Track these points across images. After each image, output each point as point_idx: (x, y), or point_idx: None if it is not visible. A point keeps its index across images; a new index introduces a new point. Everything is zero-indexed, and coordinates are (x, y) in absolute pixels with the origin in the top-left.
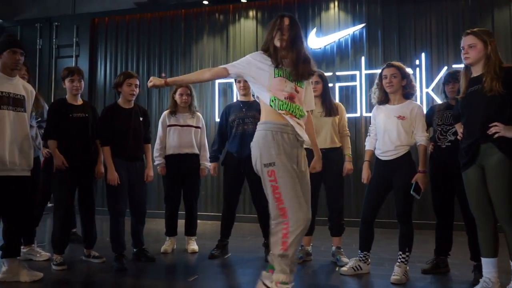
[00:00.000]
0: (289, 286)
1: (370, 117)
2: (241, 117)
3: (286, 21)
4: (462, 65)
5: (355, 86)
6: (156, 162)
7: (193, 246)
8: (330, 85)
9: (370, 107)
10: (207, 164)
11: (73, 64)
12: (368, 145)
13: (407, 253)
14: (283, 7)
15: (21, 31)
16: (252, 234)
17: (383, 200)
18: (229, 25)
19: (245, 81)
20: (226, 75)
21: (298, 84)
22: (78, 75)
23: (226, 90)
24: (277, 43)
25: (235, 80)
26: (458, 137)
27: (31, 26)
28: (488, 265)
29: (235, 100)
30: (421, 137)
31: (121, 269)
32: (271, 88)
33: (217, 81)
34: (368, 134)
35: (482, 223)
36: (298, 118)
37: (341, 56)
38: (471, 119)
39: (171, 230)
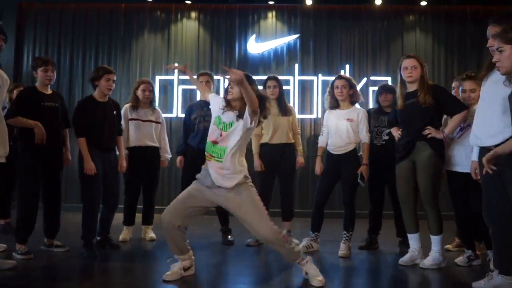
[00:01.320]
0: None
1: (301, 119)
2: (202, 115)
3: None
4: (380, 78)
5: (289, 90)
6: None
7: (151, 234)
8: None
9: (301, 110)
10: (167, 156)
11: None
12: (320, 142)
13: (350, 232)
14: (225, 12)
15: None
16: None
17: (333, 188)
18: (171, 24)
19: (207, 83)
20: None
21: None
22: (52, 65)
23: (166, 87)
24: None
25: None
26: (396, 138)
27: None
28: (414, 238)
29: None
30: (365, 137)
31: (92, 256)
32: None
33: (157, 77)
34: (321, 133)
35: (405, 204)
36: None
37: (277, 61)
38: (411, 124)
39: (129, 220)
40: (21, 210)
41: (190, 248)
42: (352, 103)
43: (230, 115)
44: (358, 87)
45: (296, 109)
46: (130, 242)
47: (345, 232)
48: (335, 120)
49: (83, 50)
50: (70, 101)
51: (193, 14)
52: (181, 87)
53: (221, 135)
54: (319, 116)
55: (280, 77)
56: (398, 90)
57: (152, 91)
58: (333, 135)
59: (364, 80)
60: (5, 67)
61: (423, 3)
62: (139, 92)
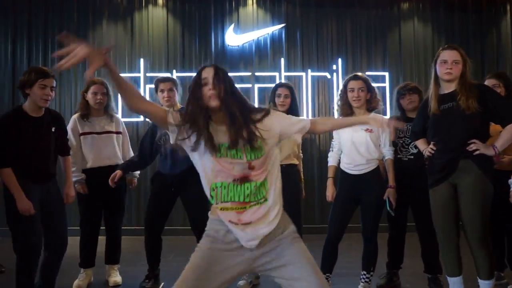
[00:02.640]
0: None
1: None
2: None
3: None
4: (376, 73)
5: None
6: (74, 179)
7: (116, 277)
8: (249, 85)
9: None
10: (135, 174)
11: None
12: (331, 160)
13: (371, 273)
14: None
15: None
16: (175, 251)
17: (350, 218)
18: (134, 12)
19: (170, 91)
20: None
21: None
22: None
23: None
24: None
25: (157, 89)
26: (427, 153)
27: None
28: (455, 284)
29: None
30: (388, 151)
31: None
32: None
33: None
34: (330, 149)
35: (446, 241)
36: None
37: (260, 55)
38: (449, 136)
39: (87, 261)
40: None
41: None
42: (370, 110)
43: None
44: None
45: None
46: None
47: (364, 272)
48: (350, 132)
49: (28, 46)
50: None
51: (160, 0)
52: (149, 86)
53: (250, 167)
54: (310, 117)
55: (264, 74)
56: (431, 89)
57: (106, 94)
58: (348, 151)
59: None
60: None
61: None
62: (89, 96)
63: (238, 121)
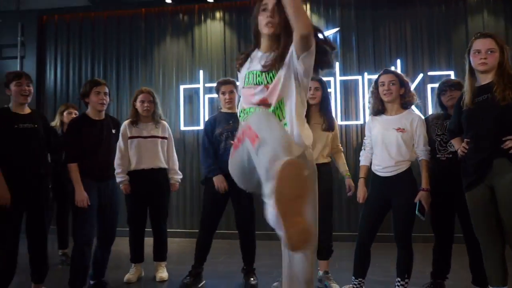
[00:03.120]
0: None
1: (346, 125)
2: (230, 130)
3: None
4: (440, 72)
5: (329, 93)
6: (118, 180)
7: (162, 273)
8: None
9: (345, 116)
10: (177, 178)
11: (18, 67)
12: (363, 160)
13: (406, 280)
14: (252, 8)
15: None
16: (226, 254)
17: (381, 221)
18: (194, 27)
19: (231, 93)
20: None
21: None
22: (27, 79)
23: (192, 96)
24: None
25: (218, 91)
26: (460, 153)
27: None
28: None
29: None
30: (422, 151)
31: None
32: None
33: (181, 87)
34: (362, 148)
35: (489, 249)
36: None
37: None
38: (482, 132)
39: (136, 256)
40: None
41: None
42: (404, 106)
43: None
44: (413, 85)
45: (338, 115)
46: (137, 283)
47: (399, 279)
48: (381, 130)
49: (104, 60)
50: None
51: (218, 14)
52: (208, 96)
53: (267, 90)
54: (366, 121)
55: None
56: (466, 82)
57: (153, 102)
58: (379, 151)
59: (420, 76)
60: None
61: None
62: (138, 104)
63: (283, 53)
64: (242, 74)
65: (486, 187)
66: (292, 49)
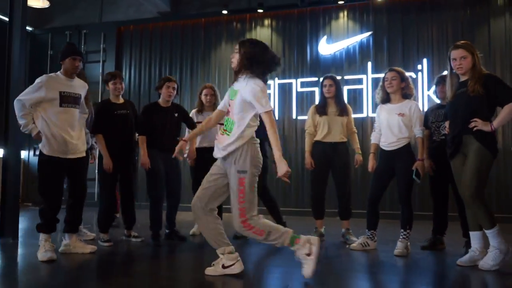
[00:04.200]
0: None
1: (373, 117)
2: None
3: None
4: None
5: (362, 89)
6: (186, 155)
7: None
8: None
9: (375, 108)
10: None
11: (100, 69)
12: (373, 139)
13: (408, 230)
14: (297, 16)
15: (52, 38)
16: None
17: (387, 185)
18: (245, 33)
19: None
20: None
21: (231, 97)
22: (120, 78)
23: None
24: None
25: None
26: (446, 131)
27: (60, 34)
28: (474, 237)
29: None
30: (418, 131)
31: (158, 245)
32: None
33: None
34: (373, 129)
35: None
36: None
37: (349, 61)
38: (456, 116)
39: None
40: (102, 204)
41: (230, 244)
42: (404, 96)
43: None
44: None
45: (369, 108)
46: (199, 236)
47: (402, 230)
48: (386, 115)
49: (169, 63)
50: None
51: (266, 22)
52: None
53: (230, 104)
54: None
55: (353, 77)
56: (448, 80)
57: (214, 95)
58: (384, 131)
59: (445, 73)
60: None
61: None
62: (203, 97)
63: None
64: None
65: (461, 155)
66: (248, 98)
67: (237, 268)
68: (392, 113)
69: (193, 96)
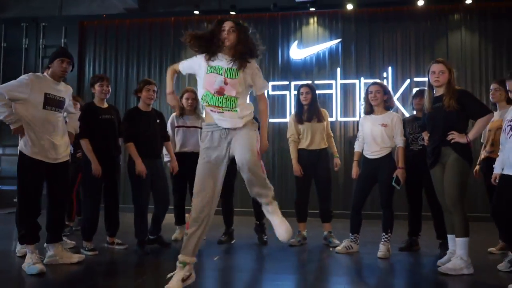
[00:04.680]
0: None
1: (345, 121)
2: None
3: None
4: (424, 79)
5: (331, 94)
6: (166, 159)
7: None
8: None
9: (344, 113)
10: None
11: None
12: (356, 147)
13: (389, 234)
14: (268, 20)
15: (5, 29)
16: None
17: (369, 191)
18: None
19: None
20: (178, 70)
21: (229, 76)
22: (107, 81)
23: None
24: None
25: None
26: (425, 143)
27: (16, 25)
28: (452, 240)
29: None
30: (399, 141)
31: (144, 253)
32: (204, 84)
33: None
34: (356, 138)
35: (445, 208)
36: (226, 108)
37: (319, 66)
38: (435, 129)
39: (179, 219)
40: (86, 212)
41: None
42: (387, 108)
43: (225, 60)
44: (401, 89)
45: (338, 113)
46: (181, 241)
47: (384, 233)
48: (370, 126)
49: (137, 62)
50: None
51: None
52: None
53: (225, 83)
54: (360, 119)
55: (322, 82)
56: (426, 93)
57: (195, 99)
58: (368, 140)
59: (408, 81)
60: (68, 81)
61: (468, 1)
62: (184, 100)
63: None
64: (205, 64)
65: (440, 165)
66: (252, 81)
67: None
68: (376, 124)
69: (162, 98)
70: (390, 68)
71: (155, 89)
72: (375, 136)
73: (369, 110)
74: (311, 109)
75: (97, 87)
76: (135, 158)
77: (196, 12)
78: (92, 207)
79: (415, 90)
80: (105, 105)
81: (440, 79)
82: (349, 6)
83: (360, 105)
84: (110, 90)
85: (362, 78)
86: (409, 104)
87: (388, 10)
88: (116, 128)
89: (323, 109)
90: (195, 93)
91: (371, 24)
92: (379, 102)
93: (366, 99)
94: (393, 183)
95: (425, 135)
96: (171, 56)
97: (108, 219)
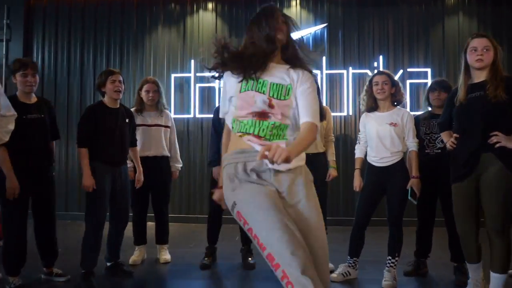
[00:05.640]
0: None
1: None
2: None
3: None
4: (418, 69)
5: (319, 86)
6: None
7: (166, 255)
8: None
9: (330, 107)
10: (178, 166)
11: (4, 50)
12: (358, 152)
13: (396, 258)
14: (244, 1)
15: None
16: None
17: (376, 207)
18: (186, 17)
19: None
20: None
21: (276, 96)
22: (33, 69)
23: (182, 85)
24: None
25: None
26: (449, 146)
27: None
28: (473, 269)
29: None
30: (412, 143)
31: (91, 286)
32: (236, 106)
33: (172, 75)
34: (357, 142)
35: (466, 234)
36: (269, 139)
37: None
38: (471, 127)
39: (139, 238)
40: (7, 238)
41: None
42: (394, 103)
43: (280, 72)
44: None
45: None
46: (142, 265)
47: (389, 257)
48: (375, 125)
49: (94, 48)
50: (82, 104)
51: (210, 5)
52: (199, 85)
53: (270, 106)
54: (350, 113)
55: None
56: (461, 79)
57: (158, 92)
58: (374, 144)
59: (400, 72)
60: None
61: None
62: (143, 93)
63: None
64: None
65: (472, 180)
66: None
67: None
68: (383, 123)
69: (125, 93)
70: (381, 57)
71: (121, 79)
72: (382, 137)
73: (373, 106)
74: None
75: (18, 77)
76: (83, 168)
77: None
78: (15, 232)
79: (408, 81)
80: (33, 99)
81: (484, 57)
82: None
83: (352, 97)
84: (38, 80)
85: (350, 68)
86: (424, 99)
87: None
88: (48, 129)
89: (326, 106)
90: (157, 85)
91: (360, 9)
92: (387, 95)
93: (370, 92)
94: (409, 197)
95: (446, 136)
96: (133, 42)
97: (42, 244)
